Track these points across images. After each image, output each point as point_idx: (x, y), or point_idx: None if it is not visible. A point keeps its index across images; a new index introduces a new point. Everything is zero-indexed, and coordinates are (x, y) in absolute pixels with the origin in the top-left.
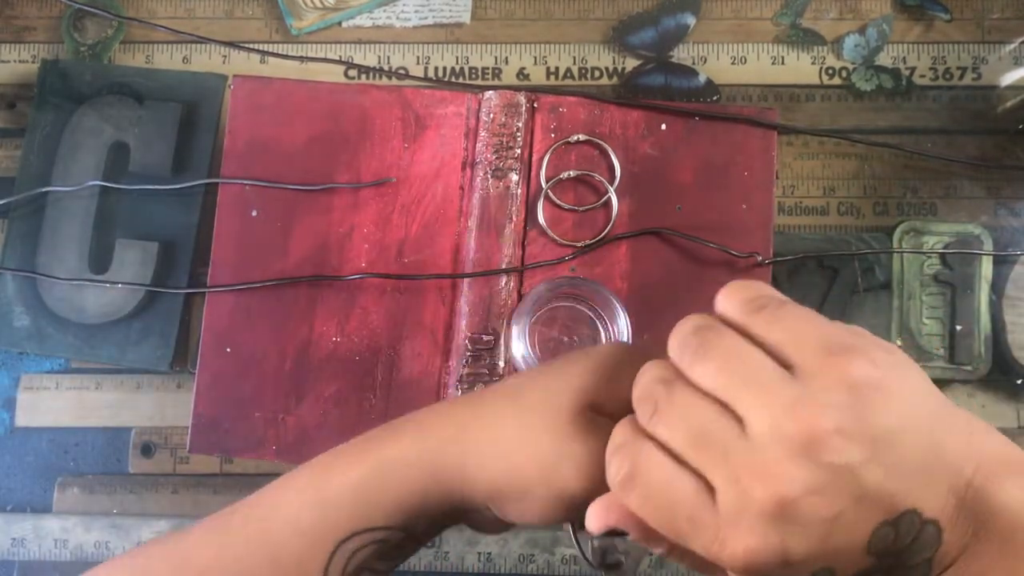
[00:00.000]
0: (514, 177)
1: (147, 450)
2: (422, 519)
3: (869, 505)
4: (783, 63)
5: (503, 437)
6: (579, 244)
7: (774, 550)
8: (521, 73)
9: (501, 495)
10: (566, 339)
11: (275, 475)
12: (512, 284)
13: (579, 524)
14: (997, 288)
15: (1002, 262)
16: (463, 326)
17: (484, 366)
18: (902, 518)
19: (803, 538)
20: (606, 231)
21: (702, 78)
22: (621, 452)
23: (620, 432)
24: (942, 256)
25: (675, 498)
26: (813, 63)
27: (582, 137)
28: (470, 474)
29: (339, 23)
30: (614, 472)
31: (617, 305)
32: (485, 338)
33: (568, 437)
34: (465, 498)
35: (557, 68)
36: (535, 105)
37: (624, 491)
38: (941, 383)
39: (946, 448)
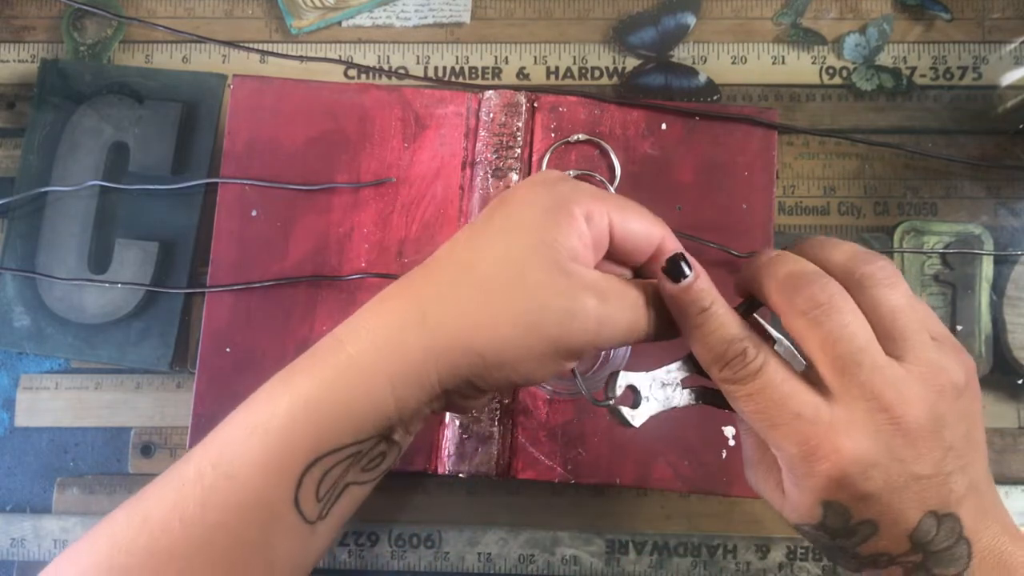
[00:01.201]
0: (514, 177)
1: (147, 450)
2: (397, 422)
3: (936, 485)
4: (783, 63)
5: (494, 305)
6: None
7: (867, 464)
8: (521, 73)
9: (502, 364)
10: None
11: None
12: None
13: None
14: (998, 288)
15: (1003, 262)
16: None
17: None
18: (947, 518)
19: (885, 475)
20: None
21: (702, 78)
22: (818, 286)
23: (811, 275)
24: (943, 256)
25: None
26: (813, 63)
27: (582, 137)
28: (454, 354)
29: (339, 23)
30: (808, 297)
31: None
32: None
33: (565, 292)
34: (450, 380)
35: (557, 68)
36: (535, 105)
37: (808, 318)
38: None
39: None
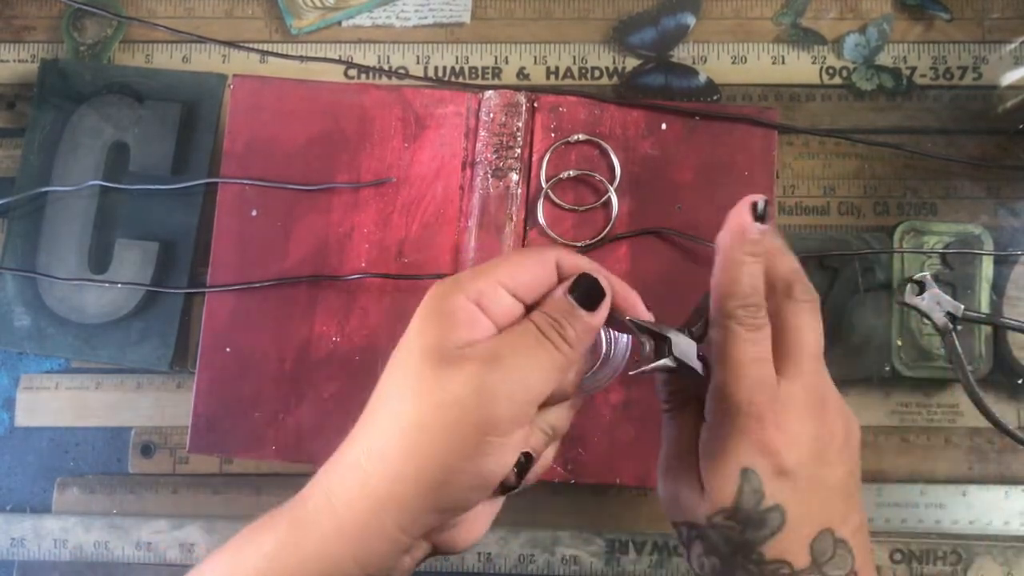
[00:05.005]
0: (514, 177)
1: (147, 450)
2: None
3: (838, 502)
4: (783, 63)
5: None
6: (579, 244)
7: (792, 441)
8: (521, 73)
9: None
10: None
11: (274, 475)
12: None
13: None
14: (998, 288)
15: (1002, 262)
16: None
17: None
18: (841, 544)
19: (802, 458)
20: (606, 231)
21: (702, 78)
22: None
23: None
24: (942, 256)
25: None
26: (813, 63)
27: (582, 137)
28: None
29: (339, 23)
30: (804, 290)
31: None
32: None
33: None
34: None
35: (557, 68)
36: (535, 105)
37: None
38: (942, 383)
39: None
